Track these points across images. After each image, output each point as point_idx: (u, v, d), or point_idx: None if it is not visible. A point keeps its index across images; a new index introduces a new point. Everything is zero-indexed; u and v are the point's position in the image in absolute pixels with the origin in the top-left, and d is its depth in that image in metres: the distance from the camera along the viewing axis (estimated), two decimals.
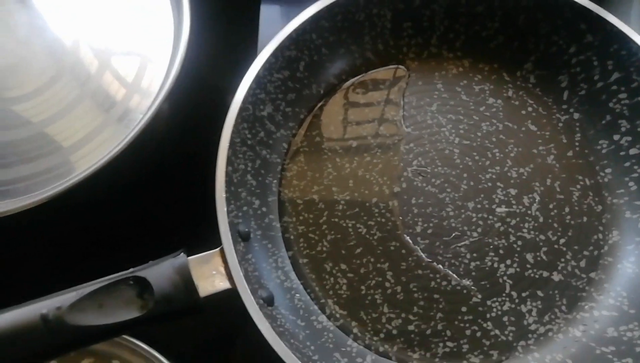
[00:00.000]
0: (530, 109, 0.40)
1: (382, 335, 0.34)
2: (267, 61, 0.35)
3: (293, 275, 0.35)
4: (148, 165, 0.38)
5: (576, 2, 0.36)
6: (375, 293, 0.35)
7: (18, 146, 0.36)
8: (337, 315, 0.34)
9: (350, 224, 0.37)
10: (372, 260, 0.36)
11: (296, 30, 0.36)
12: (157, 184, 0.40)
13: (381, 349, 0.34)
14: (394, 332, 0.34)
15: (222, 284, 0.30)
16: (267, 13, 0.47)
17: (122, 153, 0.33)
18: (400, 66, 0.41)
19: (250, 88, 0.34)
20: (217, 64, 0.47)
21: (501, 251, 0.36)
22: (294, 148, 0.39)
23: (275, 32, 0.36)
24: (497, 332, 0.34)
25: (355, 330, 0.34)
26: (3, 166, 0.36)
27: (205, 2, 0.39)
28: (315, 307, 0.35)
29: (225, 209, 0.31)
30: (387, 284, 0.35)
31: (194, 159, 0.41)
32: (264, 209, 0.37)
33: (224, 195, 0.32)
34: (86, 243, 0.38)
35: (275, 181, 0.38)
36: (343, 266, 0.36)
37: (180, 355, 0.36)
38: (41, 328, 0.25)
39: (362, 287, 0.35)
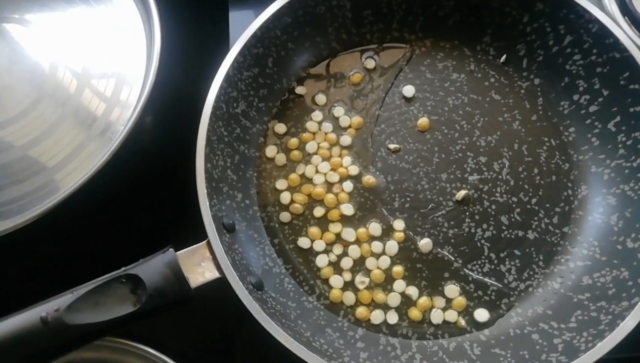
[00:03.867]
0: (492, 80, 0.42)
1: (370, 308, 0.36)
2: (236, 60, 0.37)
3: (281, 261, 0.37)
4: (132, 172, 0.39)
5: None
6: (361, 269, 0.37)
7: (4, 169, 0.37)
8: (326, 294, 0.36)
9: (331, 207, 0.38)
10: (354, 238, 0.37)
11: (260, 29, 0.38)
12: (142, 188, 0.41)
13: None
14: (382, 303, 0.36)
15: (211, 274, 0.31)
16: (236, 17, 0.49)
17: (105, 165, 0.34)
18: (366, 52, 0.43)
19: (221, 87, 0.36)
20: (191, 70, 0.49)
21: (477, 217, 0.37)
22: (270, 140, 0.41)
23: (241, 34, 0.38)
24: (479, 292, 0.36)
25: (343, 307, 0.36)
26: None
27: (174, 11, 0.41)
28: (305, 289, 0.36)
29: (208, 204, 0.33)
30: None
31: (176, 162, 0.42)
32: (247, 201, 0.38)
33: (205, 191, 0.33)
34: (78, 249, 0.40)
35: (255, 174, 0.40)
36: (328, 248, 0.37)
37: (184, 355, 0.38)
38: (42, 330, 0.27)
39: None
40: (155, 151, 0.42)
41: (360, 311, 0.35)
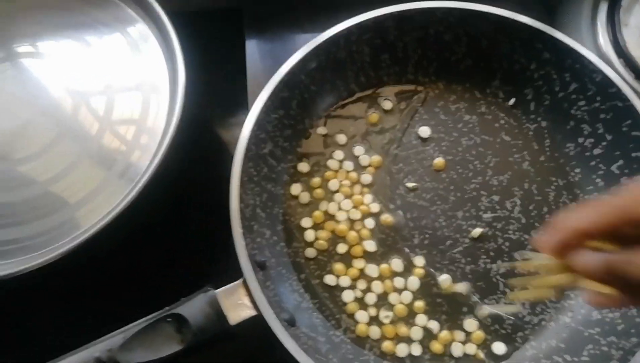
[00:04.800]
0: (502, 121, 0.44)
1: (395, 342, 0.37)
2: (265, 104, 0.39)
3: (308, 297, 0.39)
4: (156, 213, 0.40)
5: (531, 25, 0.41)
6: (384, 304, 0.39)
7: (27, 204, 0.38)
8: (352, 329, 0.38)
9: (354, 242, 0.40)
10: (377, 274, 0.39)
11: (287, 74, 0.40)
12: (161, 229, 0.43)
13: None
14: (405, 337, 0.38)
15: (249, 312, 0.33)
16: (251, 48, 0.51)
17: (128, 206, 0.34)
18: (383, 94, 0.46)
19: (252, 130, 0.38)
20: (209, 107, 0.51)
21: (491, 253, 0.40)
22: (295, 178, 0.43)
23: (261, 65, 0.41)
24: (496, 326, 0.38)
25: (369, 341, 0.38)
26: (15, 224, 0.38)
27: (196, 55, 0.42)
28: (332, 323, 0.38)
29: (243, 243, 0.35)
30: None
31: (203, 200, 0.44)
32: (275, 238, 0.40)
33: (240, 230, 0.35)
34: (111, 289, 0.41)
35: (281, 211, 0.42)
36: (353, 284, 0.39)
37: None
38: None
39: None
40: (180, 190, 0.43)
41: (386, 345, 0.37)
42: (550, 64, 0.42)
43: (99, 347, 0.29)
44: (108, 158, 0.39)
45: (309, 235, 0.41)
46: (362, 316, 0.38)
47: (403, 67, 0.46)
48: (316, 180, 0.42)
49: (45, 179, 0.38)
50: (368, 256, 0.40)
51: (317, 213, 0.41)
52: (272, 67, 0.48)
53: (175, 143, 0.37)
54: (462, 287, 0.39)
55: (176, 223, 0.43)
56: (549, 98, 0.43)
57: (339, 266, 0.40)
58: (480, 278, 0.39)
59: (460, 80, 0.46)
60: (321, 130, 0.44)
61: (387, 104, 0.45)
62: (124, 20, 0.43)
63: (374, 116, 0.45)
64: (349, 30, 0.41)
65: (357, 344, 0.38)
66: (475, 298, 0.39)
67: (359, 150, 0.44)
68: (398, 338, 0.38)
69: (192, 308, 0.32)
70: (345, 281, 0.39)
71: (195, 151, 0.45)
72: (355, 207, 0.42)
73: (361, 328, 0.38)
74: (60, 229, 0.37)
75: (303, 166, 0.43)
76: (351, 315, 0.38)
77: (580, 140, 0.42)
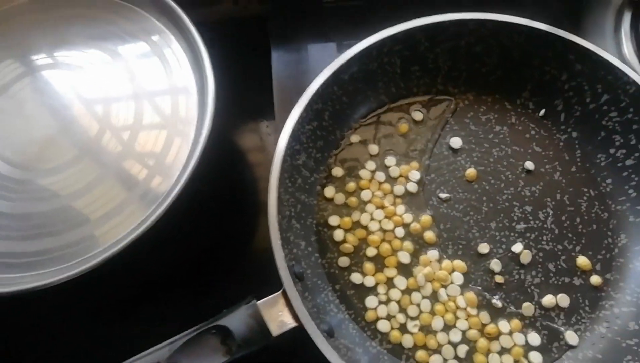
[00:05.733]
0: (533, 132, 0.45)
1: (430, 353, 0.38)
2: (300, 116, 0.39)
3: (343, 307, 0.39)
4: (184, 227, 0.40)
5: (564, 37, 0.41)
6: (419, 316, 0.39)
7: (49, 217, 0.38)
8: (388, 339, 0.38)
9: (387, 254, 0.40)
10: (412, 284, 0.40)
11: (321, 86, 0.40)
12: (201, 240, 0.43)
13: None
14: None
15: (290, 323, 0.33)
16: (277, 57, 0.51)
17: (153, 225, 0.34)
18: (413, 104, 0.46)
19: (288, 142, 0.38)
20: (232, 116, 0.51)
21: (525, 264, 0.40)
22: (326, 188, 0.43)
23: (285, 75, 0.42)
24: (532, 335, 0.38)
25: (406, 351, 0.38)
26: (41, 236, 0.37)
27: (221, 66, 0.41)
28: (368, 334, 0.38)
29: (283, 254, 0.35)
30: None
31: (234, 213, 0.44)
32: (309, 249, 0.40)
33: (279, 242, 0.35)
34: (151, 301, 0.41)
35: (314, 221, 0.42)
36: (382, 292, 0.39)
37: None
38: None
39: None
40: (203, 206, 0.44)
41: (420, 354, 0.37)
42: (582, 75, 0.42)
43: (146, 360, 0.29)
44: (129, 179, 0.38)
45: (338, 236, 0.41)
46: (389, 324, 0.38)
47: (433, 78, 0.46)
48: (351, 185, 0.43)
49: (68, 194, 0.38)
50: (401, 268, 0.40)
51: (346, 219, 0.41)
52: (298, 77, 0.49)
53: (202, 163, 0.36)
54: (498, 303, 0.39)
55: (207, 231, 0.44)
56: (580, 109, 0.43)
57: (375, 276, 0.40)
58: (515, 289, 0.39)
59: (490, 91, 0.46)
60: (354, 138, 0.45)
61: (418, 115, 0.45)
62: (151, 31, 0.44)
63: (404, 126, 0.45)
64: (382, 42, 0.42)
65: (393, 354, 0.38)
66: (510, 309, 0.39)
67: (390, 161, 0.44)
68: (433, 349, 0.38)
69: (236, 319, 0.32)
70: (382, 290, 0.39)
71: (219, 160, 0.45)
72: (387, 218, 0.42)
73: (395, 335, 0.38)
74: (79, 245, 0.37)
75: (337, 171, 0.43)
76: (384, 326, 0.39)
77: (612, 151, 0.42)
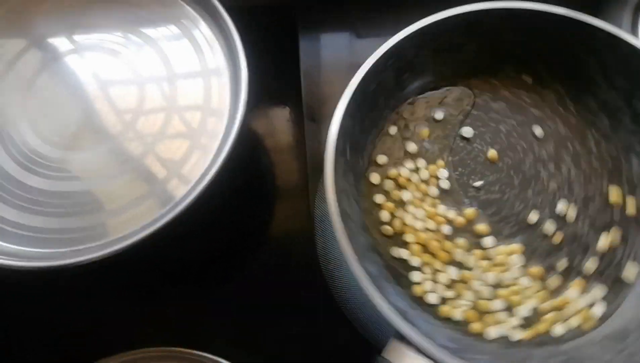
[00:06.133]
0: (526, 98, 0.48)
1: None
2: (345, 110, 0.39)
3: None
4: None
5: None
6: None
7: (67, 198, 0.39)
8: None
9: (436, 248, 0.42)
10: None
11: (363, 79, 0.40)
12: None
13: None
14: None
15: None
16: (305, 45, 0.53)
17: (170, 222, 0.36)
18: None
19: (337, 137, 0.38)
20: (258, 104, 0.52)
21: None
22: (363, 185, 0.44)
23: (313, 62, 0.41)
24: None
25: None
26: (56, 215, 0.39)
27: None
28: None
29: (358, 262, 0.35)
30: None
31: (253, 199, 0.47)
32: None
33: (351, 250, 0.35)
34: None
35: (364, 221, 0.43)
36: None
37: None
38: None
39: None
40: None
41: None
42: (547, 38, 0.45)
43: None
44: (147, 176, 0.40)
45: (384, 216, 0.43)
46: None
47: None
48: (393, 172, 0.45)
49: (88, 177, 0.40)
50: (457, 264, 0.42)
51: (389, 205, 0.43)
52: (326, 65, 0.49)
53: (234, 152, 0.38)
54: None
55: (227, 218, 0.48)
56: (559, 63, 0.47)
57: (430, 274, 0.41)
58: (572, 243, 0.43)
59: (473, 73, 0.49)
60: (392, 130, 0.46)
61: (439, 114, 0.47)
62: (181, 16, 0.45)
63: (424, 131, 0.47)
64: (419, 31, 0.42)
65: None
66: (575, 265, 0.42)
67: (421, 162, 0.45)
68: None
69: None
70: (450, 294, 0.41)
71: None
72: (430, 218, 0.43)
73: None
74: (88, 232, 0.38)
75: (381, 158, 0.45)
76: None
77: (597, 92, 0.46)
